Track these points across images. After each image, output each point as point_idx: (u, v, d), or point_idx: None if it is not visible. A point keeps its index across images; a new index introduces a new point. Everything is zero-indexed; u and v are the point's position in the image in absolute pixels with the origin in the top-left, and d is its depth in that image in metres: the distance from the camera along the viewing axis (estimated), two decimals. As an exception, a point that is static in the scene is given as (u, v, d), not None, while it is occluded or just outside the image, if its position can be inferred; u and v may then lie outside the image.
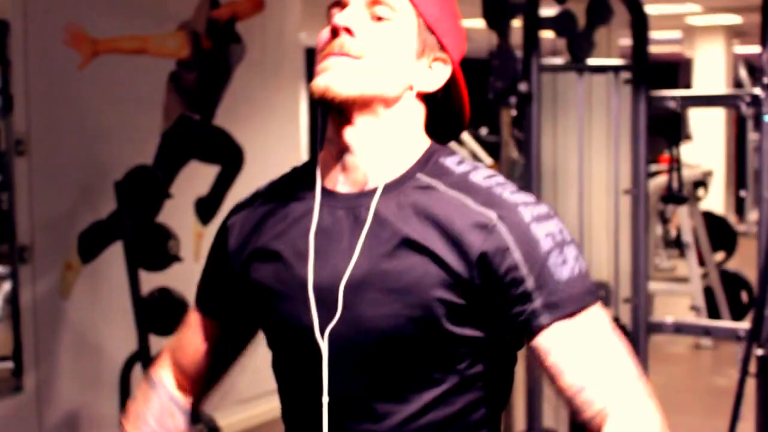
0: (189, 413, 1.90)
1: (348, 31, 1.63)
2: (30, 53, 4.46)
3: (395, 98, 1.68)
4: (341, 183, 1.70)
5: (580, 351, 1.58)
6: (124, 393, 4.53)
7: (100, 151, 4.86)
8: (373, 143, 1.67)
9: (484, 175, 1.67)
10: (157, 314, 4.48)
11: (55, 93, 4.63)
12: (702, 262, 7.96)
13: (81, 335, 4.81)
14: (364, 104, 1.65)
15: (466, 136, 11.46)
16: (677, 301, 8.64)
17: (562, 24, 4.54)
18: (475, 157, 11.29)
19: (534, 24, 4.41)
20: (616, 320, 4.71)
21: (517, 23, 4.48)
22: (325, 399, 1.65)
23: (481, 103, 4.59)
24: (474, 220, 1.60)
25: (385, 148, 1.68)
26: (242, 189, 5.67)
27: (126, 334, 4.59)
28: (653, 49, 4.64)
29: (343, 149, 1.68)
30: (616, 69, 4.65)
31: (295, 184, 1.77)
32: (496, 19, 4.40)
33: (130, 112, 5.02)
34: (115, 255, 4.65)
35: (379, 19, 1.65)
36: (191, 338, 1.89)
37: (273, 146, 6.01)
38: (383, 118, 1.67)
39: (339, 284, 1.63)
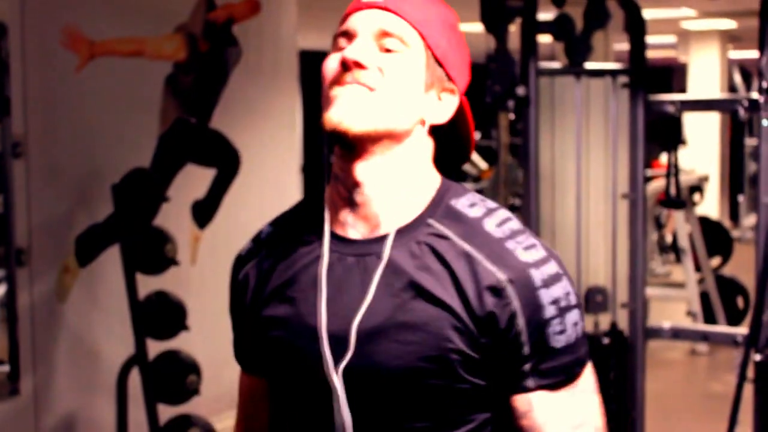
0: None
1: (359, 65, 1.61)
2: (27, 55, 4.45)
3: (407, 132, 1.66)
4: (351, 226, 1.68)
5: (554, 424, 1.63)
6: (121, 397, 4.52)
7: (97, 153, 4.85)
8: (384, 179, 1.65)
9: (497, 221, 1.66)
10: (155, 318, 4.48)
11: (53, 95, 4.62)
12: (698, 268, 7.97)
13: (78, 339, 4.80)
14: (377, 139, 1.63)
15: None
16: (673, 307, 8.64)
17: (559, 28, 4.54)
18: (472, 163, 11.30)
19: (532, 28, 4.41)
20: (614, 325, 4.71)
21: (514, 27, 4.48)
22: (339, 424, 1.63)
23: (478, 107, 4.59)
24: (486, 282, 1.60)
25: (396, 185, 1.66)
26: (239, 192, 5.68)
27: (123, 338, 4.58)
28: (648, 54, 4.65)
29: (352, 186, 1.66)
30: (613, 73, 4.65)
31: (302, 226, 1.74)
32: (494, 23, 4.40)
33: (127, 114, 5.02)
34: (112, 258, 4.64)
35: (389, 50, 1.64)
36: (253, 405, 1.88)
37: (269, 149, 6.01)
38: (395, 153, 1.65)
39: (351, 330, 1.61)
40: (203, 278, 5.47)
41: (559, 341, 1.62)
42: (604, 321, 4.83)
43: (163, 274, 4.50)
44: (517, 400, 1.63)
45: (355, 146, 1.63)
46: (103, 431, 4.81)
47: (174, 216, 5.01)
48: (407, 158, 1.67)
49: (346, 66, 1.62)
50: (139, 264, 4.44)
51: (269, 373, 1.78)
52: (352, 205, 1.67)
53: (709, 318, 7.79)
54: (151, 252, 4.46)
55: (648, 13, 10.63)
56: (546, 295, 1.61)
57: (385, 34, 1.64)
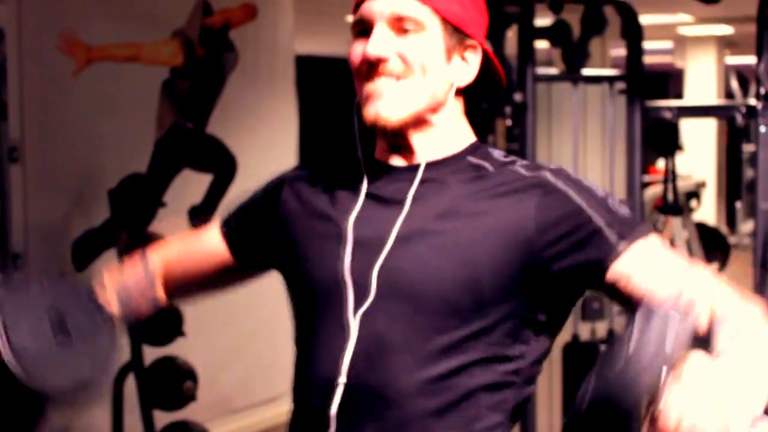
0: (156, 308, 2.01)
1: (381, 60, 1.69)
2: (24, 60, 4.45)
3: (441, 103, 1.75)
4: (392, 160, 1.77)
5: (665, 265, 1.66)
6: (117, 403, 4.50)
7: (94, 158, 4.84)
8: (426, 144, 1.75)
9: (528, 164, 1.74)
10: (150, 324, 4.45)
11: (49, 100, 4.61)
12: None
13: (73, 344, 4.78)
14: (414, 121, 1.73)
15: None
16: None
17: (557, 34, 4.55)
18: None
19: (529, 34, 4.41)
20: (611, 333, 4.70)
21: (512, 33, 4.48)
22: (350, 350, 1.66)
23: (475, 113, 4.58)
24: (528, 182, 1.68)
25: (437, 143, 1.75)
26: (235, 197, 5.66)
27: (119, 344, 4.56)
28: (645, 60, 4.65)
29: (397, 146, 1.76)
30: (610, 79, 4.66)
31: (349, 162, 1.83)
32: (491, 29, 4.40)
33: (123, 119, 5.01)
34: (109, 263, 4.63)
35: (406, 31, 1.70)
36: (196, 249, 2.00)
37: (266, 154, 6.00)
38: (434, 122, 1.75)
39: (383, 240, 1.68)
40: (199, 284, 5.46)
41: (624, 210, 1.70)
42: (601, 328, 4.83)
43: (160, 280, 4.49)
44: (617, 270, 1.65)
45: (395, 133, 1.73)
46: (99, 437, 4.80)
47: (172, 221, 4.99)
48: (444, 123, 1.76)
49: (370, 63, 1.70)
50: (135, 269, 4.43)
51: (243, 252, 1.92)
52: (396, 157, 1.77)
53: (706, 324, 7.76)
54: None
55: (645, 19, 10.58)
56: (587, 182, 1.72)
57: (398, 18, 1.70)
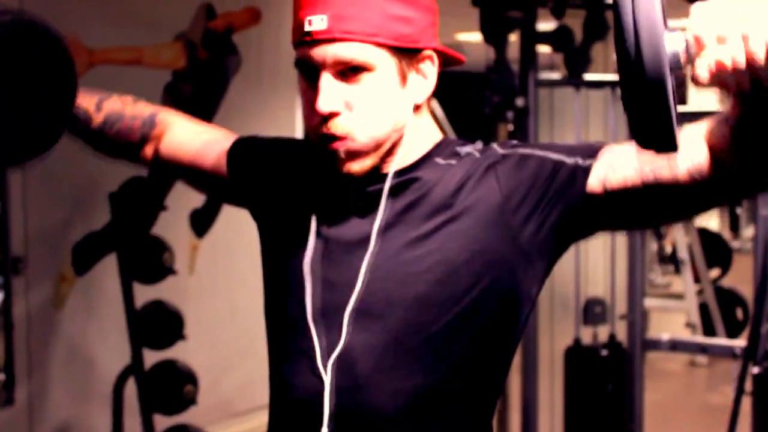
0: (137, 158, 2.05)
1: (333, 114, 1.63)
2: (25, 63, 4.44)
3: (405, 123, 1.69)
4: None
5: (636, 153, 1.56)
6: (117, 406, 4.50)
7: (95, 162, 4.81)
8: (396, 156, 1.71)
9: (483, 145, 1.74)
10: (151, 327, 4.46)
11: (50, 104, 4.61)
12: (697, 279, 7.95)
13: (74, 348, 4.78)
14: (384, 148, 1.68)
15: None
16: (673, 318, 8.63)
17: (559, 39, 4.54)
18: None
19: (531, 39, 4.41)
20: (612, 337, 4.70)
21: (514, 38, 4.48)
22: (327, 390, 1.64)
23: (478, 117, 4.59)
24: (483, 163, 1.67)
25: (403, 152, 1.71)
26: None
27: (119, 347, 4.56)
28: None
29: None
30: (613, 84, 4.65)
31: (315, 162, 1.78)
32: (494, 34, 4.40)
33: (125, 123, 5.01)
34: (109, 267, 4.63)
35: (353, 77, 1.63)
36: (202, 142, 2.00)
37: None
38: (399, 139, 1.70)
39: (352, 281, 1.65)
40: (201, 287, 5.46)
41: (572, 143, 1.67)
42: (603, 333, 4.83)
43: (161, 283, 4.49)
44: (593, 179, 1.59)
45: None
46: (99, 441, 4.80)
47: (172, 225, 4.99)
48: (410, 134, 1.71)
49: (322, 118, 1.64)
50: (136, 273, 4.43)
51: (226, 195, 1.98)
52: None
53: (709, 329, 7.77)
54: (149, 261, 4.44)
55: (649, 24, 10.60)
56: (556, 143, 1.69)
57: (342, 63, 1.62)
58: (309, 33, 1.62)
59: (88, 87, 2.01)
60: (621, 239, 4.65)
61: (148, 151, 2.03)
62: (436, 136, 1.75)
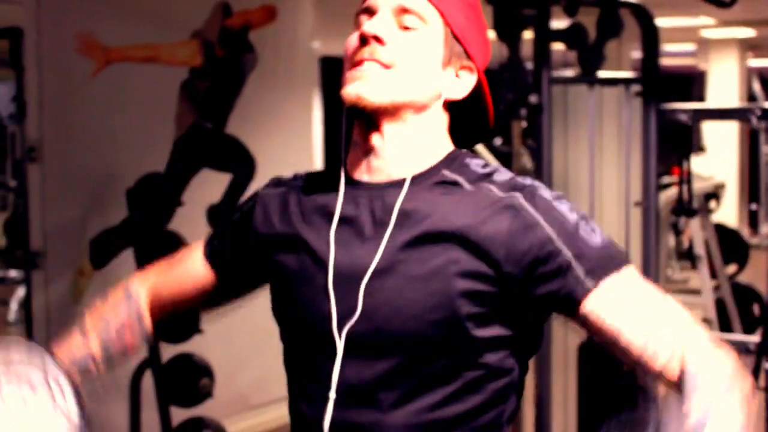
0: (147, 337, 1.98)
1: (378, 39, 1.66)
2: (43, 61, 4.49)
3: (424, 106, 1.71)
4: (366, 176, 1.73)
5: (634, 304, 1.61)
6: (135, 399, 4.54)
7: (112, 158, 4.88)
8: (399, 147, 1.71)
9: (507, 174, 1.70)
10: (168, 321, 4.49)
11: (68, 101, 4.65)
12: (714, 275, 7.94)
13: (92, 341, 4.82)
14: (394, 111, 1.68)
15: (480, 146, 11.48)
16: (691, 313, 8.61)
17: (572, 37, 4.55)
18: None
19: (545, 36, 4.42)
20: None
21: (528, 35, 4.49)
22: (335, 383, 1.65)
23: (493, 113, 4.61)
24: (500, 204, 1.63)
25: (410, 151, 1.71)
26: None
27: (136, 341, 4.60)
28: (667, 62, 4.66)
29: (368, 151, 1.72)
30: (626, 82, 4.66)
31: (326, 178, 1.79)
32: (507, 31, 4.41)
33: (142, 120, 5.05)
34: (126, 262, 4.67)
35: (407, 28, 1.68)
36: (182, 273, 1.96)
37: (285, 155, 6.03)
38: (410, 124, 1.71)
39: (360, 273, 1.65)
40: (218, 282, 5.49)
41: (595, 240, 1.62)
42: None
43: (177, 278, 4.52)
44: (585, 308, 1.61)
45: (372, 118, 1.69)
46: (116, 433, 4.84)
47: (189, 220, 5.03)
48: (422, 129, 1.72)
49: (364, 40, 1.67)
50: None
51: (227, 275, 1.91)
52: (368, 166, 1.72)
53: (725, 325, 7.76)
54: (165, 256, 4.47)
55: (667, 22, 10.53)
56: (562, 206, 1.64)
57: (403, 10, 1.67)
58: None
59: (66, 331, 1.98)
60: (635, 236, 4.66)
61: (149, 326, 1.99)
62: (448, 146, 1.75)
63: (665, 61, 4.59)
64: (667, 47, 14.26)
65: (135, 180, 4.50)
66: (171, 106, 5.21)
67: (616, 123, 4.73)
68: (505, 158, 11.50)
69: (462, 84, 1.74)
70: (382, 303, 1.63)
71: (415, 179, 1.70)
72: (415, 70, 1.68)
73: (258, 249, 1.82)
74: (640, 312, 1.61)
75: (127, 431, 4.61)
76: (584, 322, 1.62)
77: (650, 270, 4.57)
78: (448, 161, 1.73)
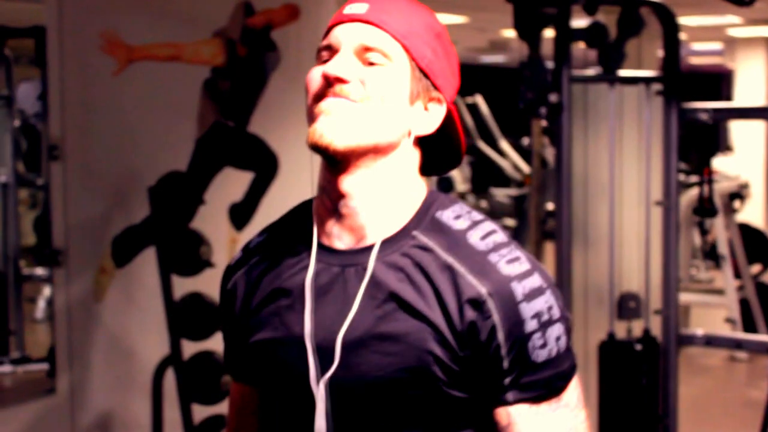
0: None
1: (340, 80, 1.61)
2: (65, 59, 4.52)
3: (393, 145, 1.66)
4: (336, 237, 1.68)
5: None
6: (157, 397, 4.57)
7: (134, 157, 4.91)
8: (370, 192, 1.65)
9: (481, 234, 1.66)
10: (189, 319, 4.53)
11: (90, 99, 4.68)
12: (738, 274, 7.92)
13: (114, 339, 4.86)
14: (362, 153, 1.63)
15: (506, 146, 11.47)
16: (714, 313, 8.59)
17: (593, 35, 4.55)
18: (516, 168, 11.29)
19: (565, 35, 4.43)
20: (647, 332, 4.71)
21: (548, 34, 4.50)
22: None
23: (518, 112, 4.62)
24: (467, 296, 1.60)
25: (382, 196, 1.66)
26: (276, 195, 5.72)
27: (158, 339, 4.63)
28: (695, 61, 4.66)
29: (337, 198, 1.67)
30: (647, 80, 4.66)
31: (291, 237, 1.75)
32: (528, 30, 4.42)
33: (164, 118, 5.07)
34: (148, 260, 4.70)
35: (372, 64, 1.63)
36: (242, 414, 1.90)
37: (307, 153, 6.01)
38: (381, 165, 1.65)
39: (335, 340, 1.63)
40: (240, 280, 5.51)
41: (540, 356, 1.61)
42: (638, 327, 4.84)
43: (200, 276, 4.55)
44: (498, 413, 1.64)
45: (339, 161, 1.63)
46: (139, 430, 4.87)
47: (212, 219, 5.05)
48: (393, 170, 1.67)
49: (328, 81, 1.62)
50: (175, 265, 4.50)
51: (256, 382, 1.82)
52: (337, 216, 1.68)
53: (749, 325, 7.74)
54: (186, 254, 4.51)
55: (693, 21, 10.50)
56: (527, 309, 1.61)
57: (366, 48, 1.63)
58: (346, 15, 1.66)
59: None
60: (655, 235, 4.66)
61: None
62: (421, 193, 1.71)
63: (694, 60, 4.58)
64: (694, 46, 14.22)
65: (157, 178, 4.52)
66: (193, 105, 5.23)
67: (637, 122, 4.73)
68: (530, 157, 11.49)
69: (431, 118, 1.69)
70: (358, 368, 1.63)
71: (387, 242, 1.65)
72: (382, 106, 1.62)
73: (242, 335, 1.78)
74: None
75: (150, 428, 4.64)
76: (492, 419, 1.65)
77: (671, 269, 4.57)
78: (421, 216, 1.68)
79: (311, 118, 1.64)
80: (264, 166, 5.66)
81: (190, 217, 4.66)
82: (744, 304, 7.79)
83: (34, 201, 6.46)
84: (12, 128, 4.80)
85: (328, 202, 1.68)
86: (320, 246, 1.70)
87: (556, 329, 1.63)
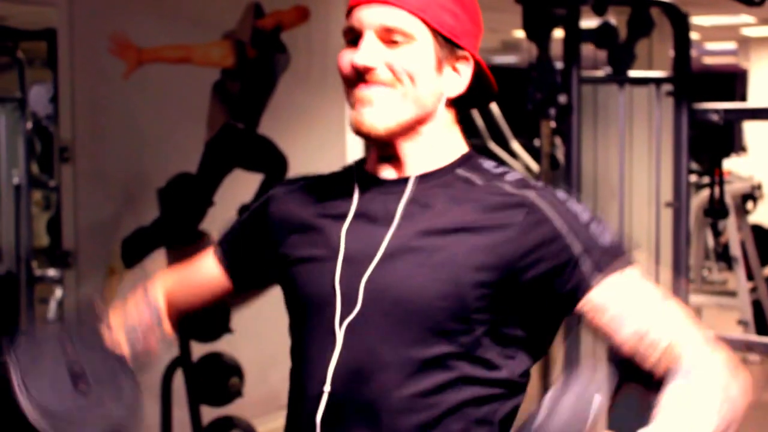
0: (165, 341, 2.02)
1: (368, 69, 1.68)
2: (76, 61, 4.53)
3: (431, 112, 1.73)
4: (382, 172, 1.77)
5: (635, 301, 1.63)
6: (166, 397, 4.57)
7: (144, 158, 4.91)
8: (415, 156, 1.74)
9: (518, 175, 1.74)
10: (198, 320, 4.52)
11: (100, 101, 4.69)
12: (751, 276, 7.88)
13: (124, 340, 4.86)
14: (405, 131, 1.72)
15: (518, 147, 11.44)
16: (726, 315, 8.55)
17: (602, 36, 4.54)
18: (527, 169, 11.26)
19: (575, 35, 4.41)
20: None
21: (557, 34, 4.48)
22: (335, 359, 1.68)
23: (520, 113, 4.60)
24: (513, 201, 1.67)
25: (426, 156, 1.75)
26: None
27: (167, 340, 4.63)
28: (709, 61, 4.64)
29: (386, 158, 1.76)
30: (657, 81, 4.64)
31: (340, 174, 1.85)
32: (537, 31, 4.41)
33: (174, 120, 5.07)
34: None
35: (396, 43, 1.68)
36: (195, 276, 2.03)
37: (317, 155, 6.04)
38: (423, 133, 1.74)
39: (370, 257, 1.68)
40: (250, 282, 5.52)
41: (605, 237, 1.66)
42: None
43: (208, 277, 4.55)
44: (588, 302, 1.64)
45: (384, 142, 1.73)
46: (148, 431, 4.88)
47: (221, 220, 5.05)
48: (435, 133, 1.75)
49: (358, 72, 1.69)
50: (184, 267, 4.49)
51: (260, 286, 1.98)
52: (383, 160, 1.76)
53: (761, 327, 7.70)
54: (196, 255, 4.50)
55: (707, 20, 10.45)
56: (575, 206, 1.69)
57: (388, 30, 1.68)
58: None
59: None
60: (666, 235, 4.64)
61: (169, 329, 2.03)
62: (462, 148, 1.79)
63: (707, 60, 4.57)
64: (708, 46, 14.18)
65: (167, 180, 4.53)
66: (203, 107, 5.23)
67: (647, 123, 4.71)
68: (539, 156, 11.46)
69: (461, 78, 1.75)
70: (390, 284, 1.66)
71: (429, 176, 1.74)
72: (413, 83, 1.69)
73: (272, 246, 1.85)
74: (638, 310, 1.63)
75: (159, 429, 4.64)
76: (584, 316, 1.65)
77: (681, 271, 4.55)
78: (462, 161, 1.77)
79: (350, 104, 1.72)
80: (273, 168, 5.65)
81: (200, 218, 4.66)
82: (757, 306, 7.75)
83: (48, 202, 6.48)
84: (25, 130, 4.81)
85: (374, 154, 1.78)
86: (366, 174, 1.78)
87: (603, 223, 1.70)
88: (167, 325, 2.00)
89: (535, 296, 1.66)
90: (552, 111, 4.38)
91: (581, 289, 1.63)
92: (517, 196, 1.68)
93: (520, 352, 1.71)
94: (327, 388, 1.67)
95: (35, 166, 5.38)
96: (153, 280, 2.06)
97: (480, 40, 1.78)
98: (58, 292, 5.02)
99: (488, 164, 1.77)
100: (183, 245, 4.49)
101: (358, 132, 1.70)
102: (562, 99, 4.36)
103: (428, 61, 1.70)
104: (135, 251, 4.85)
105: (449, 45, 1.72)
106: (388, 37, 1.68)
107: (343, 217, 1.75)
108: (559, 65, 4.43)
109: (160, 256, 4.67)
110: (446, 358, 1.64)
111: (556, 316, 1.72)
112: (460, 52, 1.74)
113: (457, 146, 1.79)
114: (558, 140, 7.61)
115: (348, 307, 1.68)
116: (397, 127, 1.70)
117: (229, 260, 1.96)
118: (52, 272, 5.50)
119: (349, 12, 1.73)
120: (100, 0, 4.72)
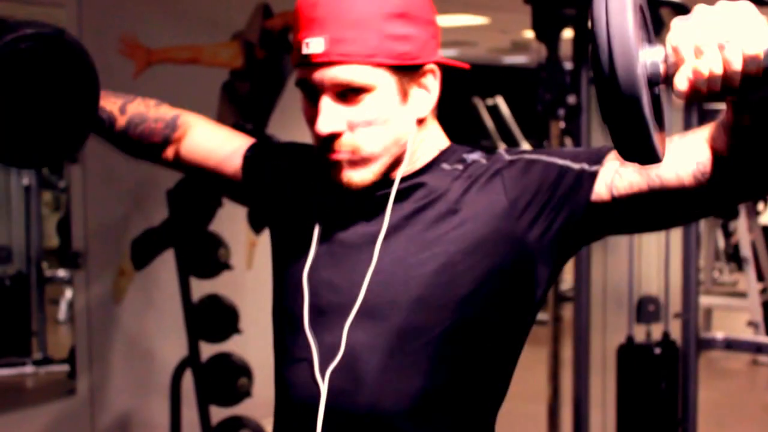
0: (167, 142, 2.04)
1: (336, 134, 1.64)
2: (85, 62, 4.53)
3: (408, 136, 1.69)
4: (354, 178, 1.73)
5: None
6: (175, 397, 4.58)
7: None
8: (398, 164, 1.71)
9: (486, 152, 1.73)
10: (207, 321, 4.53)
11: (110, 102, 4.70)
12: (761, 277, 7.87)
13: (133, 340, 4.88)
14: (390, 164, 1.69)
15: (528, 148, 11.45)
16: (737, 316, 8.54)
17: (612, 36, 4.52)
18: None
19: (584, 36, 4.40)
20: (666, 336, 4.68)
21: (567, 35, 4.48)
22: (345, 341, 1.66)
23: (530, 114, 4.60)
24: (490, 169, 1.67)
25: (408, 161, 1.71)
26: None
27: (177, 340, 4.65)
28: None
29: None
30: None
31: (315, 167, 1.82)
32: (546, 31, 4.40)
33: (183, 121, 5.08)
34: (167, 262, 4.71)
35: (353, 99, 1.62)
36: (221, 147, 1.97)
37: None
38: (403, 152, 1.70)
39: (363, 269, 1.66)
40: (258, 283, 5.52)
41: (582, 148, 1.66)
42: (657, 330, 4.81)
43: (219, 278, 4.56)
44: (596, 190, 1.59)
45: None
46: (157, 430, 4.89)
47: (231, 222, 5.06)
48: (417, 145, 1.71)
49: (324, 139, 1.65)
50: (193, 268, 4.50)
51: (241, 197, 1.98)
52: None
53: (772, 328, 7.69)
54: (204, 256, 4.51)
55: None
56: (554, 150, 1.68)
57: (343, 87, 1.61)
58: (307, 56, 1.61)
59: (114, 90, 2.06)
60: (675, 236, 4.63)
61: (170, 152, 2.03)
62: (443, 143, 1.75)
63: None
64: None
65: (175, 181, 4.53)
66: (212, 108, 5.24)
67: (657, 123, 4.70)
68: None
69: (429, 94, 1.70)
70: (383, 268, 1.65)
71: (416, 173, 1.71)
72: (382, 129, 1.65)
73: (268, 198, 1.88)
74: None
75: (168, 429, 4.65)
76: (609, 203, 1.59)
77: (691, 273, 4.54)
78: (444, 156, 1.73)
79: (326, 168, 1.69)
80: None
81: (209, 219, 4.66)
82: (767, 307, 7.74)
83: (58, 203, 6.50)
84: (34, 130, 4.80)
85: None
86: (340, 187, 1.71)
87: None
88: (174, 136, 2.03)
89: (553, 236, 1.63)
90: (561, 111, 4.37)
91: (587, 181, 1.60)
92: (491, 163, 1.68)
93: (504, 340, 1.70)
94: (323, 401, 1.66)
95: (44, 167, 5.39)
96: (192, 114, 2.07)
97: (439, 34, 1.71)
98: (68, 293, 5.03)
99: (475, 155, 1.72)
100: (192, 246, 4.50)
101: (349, 189, 1.67)
102: (572, 99, 4.35)
103: (392, 102, 1.64)
104: (144, 252, 4.86)
105: (410, 70, 1.65)
106: (346, 94, 1.62)
107: (328, 216, 1.75)
108: (568, 66, 4.42)
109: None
110: (434, 344, 1.64)
111: (584, 236, 1.67)
112: (424, 68, 1.68)
113: (437, 143, 1.75)
114: (568, 141, 7.61)
115: (334, 340, 1.67)
116: (380, 173, 1.67)
117: (248, 168, 1.93)
118: (62, 273, 5.51)
119: (296, 66, 1.68)
120: (108, 1, 4.73)
